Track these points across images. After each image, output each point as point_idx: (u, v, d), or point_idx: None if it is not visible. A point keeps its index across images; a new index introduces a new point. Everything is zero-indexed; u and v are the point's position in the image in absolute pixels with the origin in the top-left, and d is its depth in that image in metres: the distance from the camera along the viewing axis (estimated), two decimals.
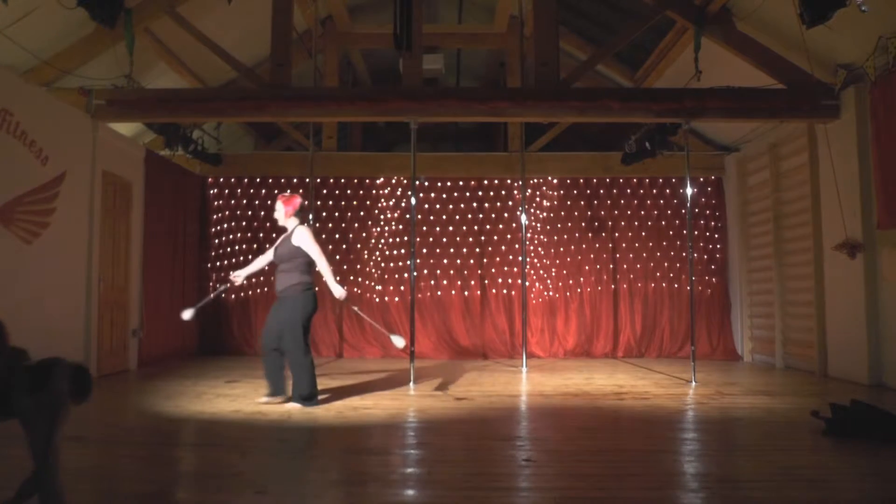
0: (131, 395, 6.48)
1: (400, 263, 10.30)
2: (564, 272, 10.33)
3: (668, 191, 10.37)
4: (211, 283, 10.34)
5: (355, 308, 6.94)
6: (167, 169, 9.35)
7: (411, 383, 6.88)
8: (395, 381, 7.17)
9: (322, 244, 5.89)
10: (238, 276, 5.95)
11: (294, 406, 5.48)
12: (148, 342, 8.62)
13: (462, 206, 10.47)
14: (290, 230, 5.67)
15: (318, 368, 8.40)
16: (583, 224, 10.39)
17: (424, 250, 10.31)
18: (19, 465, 3.43)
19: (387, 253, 10.39)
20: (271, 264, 5.88)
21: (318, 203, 10.26)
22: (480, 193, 10.49)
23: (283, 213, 5.71)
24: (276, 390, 5.63)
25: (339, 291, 5.66)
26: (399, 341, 6.09)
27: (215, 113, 7.77)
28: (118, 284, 8.10)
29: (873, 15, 5.53)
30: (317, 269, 5.64)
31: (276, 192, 10.47)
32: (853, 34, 6.50)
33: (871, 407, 4.47)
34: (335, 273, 10.14)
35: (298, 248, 5.53)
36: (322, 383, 7.08)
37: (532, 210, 10.37)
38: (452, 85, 12.51)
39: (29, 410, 1.80)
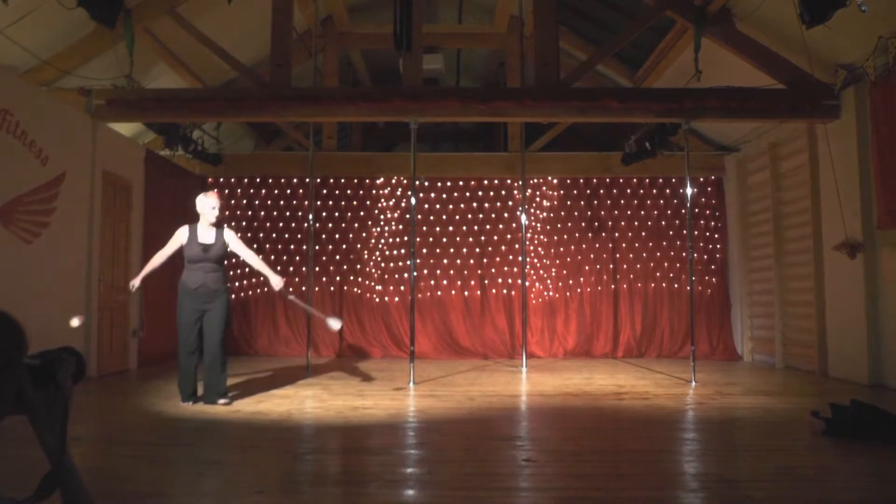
0: (131, 395, 6.48)
1: (400, 263, 10.30)
2: (564, 272, 10.33)
3: (668, 191, 10.36)
4: None
5: (291, 297, 6.52)
6: (167, 169, 9.35)
7: (411, 383, 6.88)
8: (395, 381, 7.16)
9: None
10: (134, 285, 5.83)
11: (212, 405, 5.53)
12: (148, 342, 8.62)
13: (462, 206, 10.47)
14: (215, 230, 5.67)
15: (319, 368, 8.46)
16: (583, 224, 10.39)
17: (424, 250, 10.31)
18: (24, 467, 3.43)
19: (387, 253, 10.39)
20: (172, 259, 5.83)
21: (318, 203, 10.26)
22: (480, 193, 10.49)
23: (220, 210, 5.74)
24: (195, 392, 5.69)
25: (277, 281, 5.76)
26: (335, 323, 6.02)
27: (215, 113, 7.77)
28: (118, 284, 8.09)
29: (873, 15, 5.52)
30: (186, 262, 5.68)
31: (275, 192, 10.52)
32: (853, 34, 6.50)
33: (871, 407, 4.47)
34: (335, 274, 10.31)
35: (228, 251, 5.70)
36: (322, 383, 7.10)
37: (532, 210, 10.37)
38: (452, 85, 12.50)
39: (41, 406, 1.81)
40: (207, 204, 5.68)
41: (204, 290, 5.56)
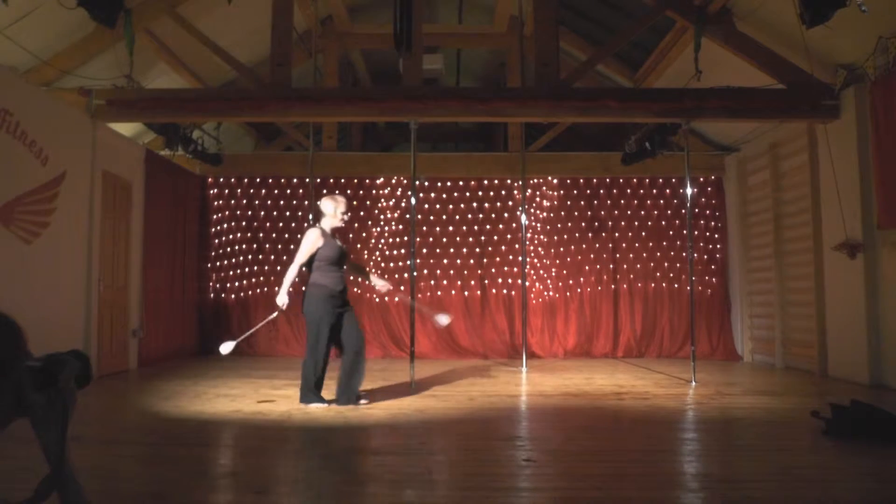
0: (131, 395, 6.48)
1: (400, 263, 10.30)
2: (564, 272, 10.33)
3: (668, 191, 10.36)
4: (210, 283, 10.35)
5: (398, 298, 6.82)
6: (167, 169, 9.35)
7: (411, 383, 6.87)
8: (395, 381, 7.16)
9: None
10: (284, 303, 5.56)
11: (353, 405, 5.52)
12: (148, 342, 8.62)
13: (462, 206, 10.47)
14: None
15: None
16: (583, 224, 10.39)
17: (424, 250, 10.30)
18: (23, 466, 3.43)
19: (387, 253, 10.39)
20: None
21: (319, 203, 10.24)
22: (480, 193, 10.49)
23: None
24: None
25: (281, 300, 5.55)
26: (444, 319, 6.21)
27: (215, 113, 7.77)
28: (118, 284, 8.10)
29: (873, 15, 5.52)
30: (322, 265, 5.57)
31: (275, 192, 10.51)
32: (853, 34, 6.50)
33: (871, 407, 4.47)
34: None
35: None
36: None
37: (532, 210, 10.37)
38: (452, 85, 12.50)
39: (42, 408, 1.81)
40: (339, 208, 5.70)
41: (344, 292, 5.56)
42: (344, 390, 5.55)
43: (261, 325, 6.95)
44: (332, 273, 5.54)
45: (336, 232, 5.85)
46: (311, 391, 5.54)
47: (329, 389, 5.68)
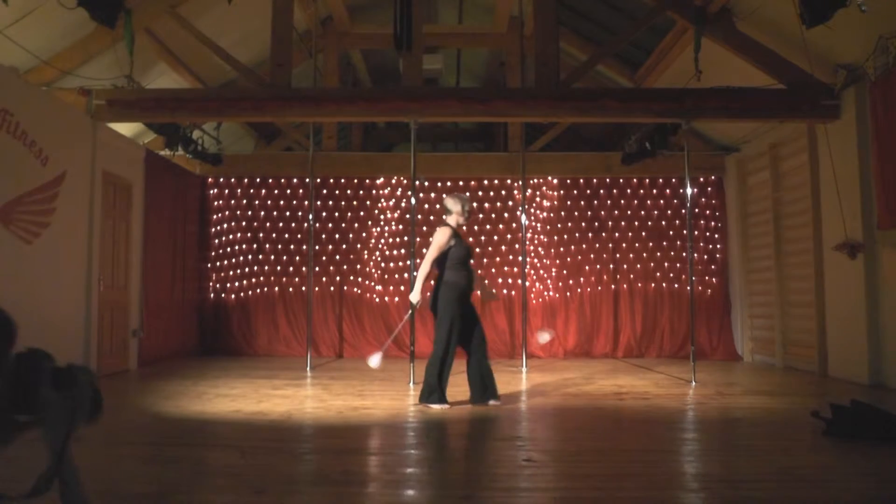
0: (131, 395, 6.48)
1: (400, 263, 10.29)
2: (564, 272, 10.32)
3: (668, 191, 10.36)
4: (210, 283, 10.35)
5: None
6: (167, 169, 9.35)
7: (411, 383, 6.87)
8: (395, 381, 7.16)
9: (424, 247, 5.75)
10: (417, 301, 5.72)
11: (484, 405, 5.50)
12: (148, 342, 8.62)
13: None
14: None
15: (318, 369, 8.45)
16: (583, 224, 10.38)
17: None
18: (24, 467, 3.43)
19: (387, 253, 10.39)
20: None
21: (318, 203, 10.25)
22: (480, 193, 10.49)
23: None
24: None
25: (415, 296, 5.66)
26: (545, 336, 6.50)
27: (215, 113, 7.77)
28: (118, 284, 8.10)
29: (873, 15, 5.52)
30: (454, 263, 5.52)
31: (275, 192, 10.50)
32: (853, 34, 6.49)
33: (871, 407, 4.47)
34: (335, 274, 10.30)
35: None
36: (322, 383, 7.10)
37: (532, 210, 10.37)
38: (452, 85, 12.50)
39: (53, 405, 1.83)
40: (466, 206, 5.66)
41: (471, 290, 5.51)
42: (484, 391, 5.52)
43: (399, 327, 6.97)
44: (464, 271, 5.49)
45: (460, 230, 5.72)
46: (435, 391, 5.45)
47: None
